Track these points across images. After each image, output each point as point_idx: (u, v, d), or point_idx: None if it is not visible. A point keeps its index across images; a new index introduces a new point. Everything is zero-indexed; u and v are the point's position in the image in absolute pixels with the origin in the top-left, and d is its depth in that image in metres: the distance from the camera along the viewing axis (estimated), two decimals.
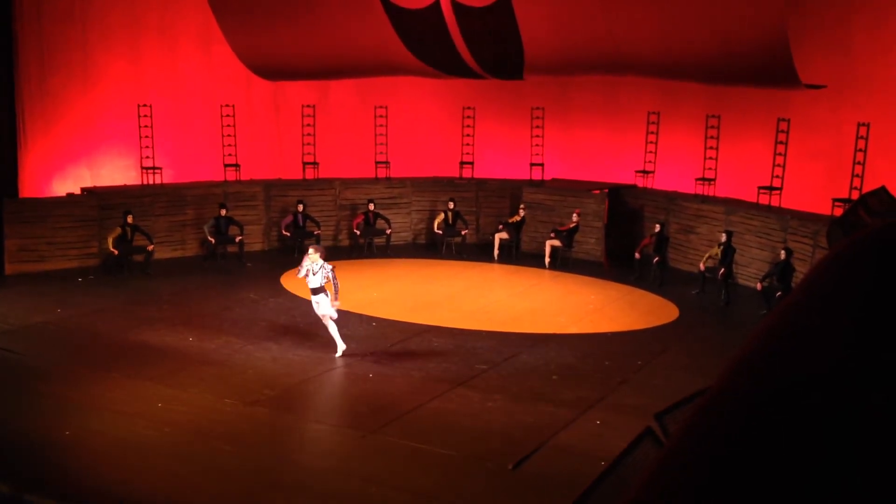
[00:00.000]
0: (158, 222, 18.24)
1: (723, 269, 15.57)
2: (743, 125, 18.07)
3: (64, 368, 11.24)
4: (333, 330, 11.77)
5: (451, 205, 19.52)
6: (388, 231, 19.22)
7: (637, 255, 17.17)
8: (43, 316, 13.63)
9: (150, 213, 18.11)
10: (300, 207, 18.74)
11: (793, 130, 16.78)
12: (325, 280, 11.59)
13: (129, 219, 16.64)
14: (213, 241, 17.74)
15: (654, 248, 17.07)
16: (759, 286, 14.91)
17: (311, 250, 11.70)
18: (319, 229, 18.91)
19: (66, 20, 18.44)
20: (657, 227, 17.21)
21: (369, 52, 18.65)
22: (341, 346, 11.79)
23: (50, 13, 18.29)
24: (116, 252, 16.47)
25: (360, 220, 19.31)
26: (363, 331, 13.34)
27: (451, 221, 19.50)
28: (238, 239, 17.95)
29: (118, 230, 16.56)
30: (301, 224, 18.76)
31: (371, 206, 19.22)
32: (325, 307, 11.66)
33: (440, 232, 19.50)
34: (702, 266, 16.05)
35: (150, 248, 16.75)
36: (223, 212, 17.88)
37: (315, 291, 11.61)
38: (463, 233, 19.46)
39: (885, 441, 0.94)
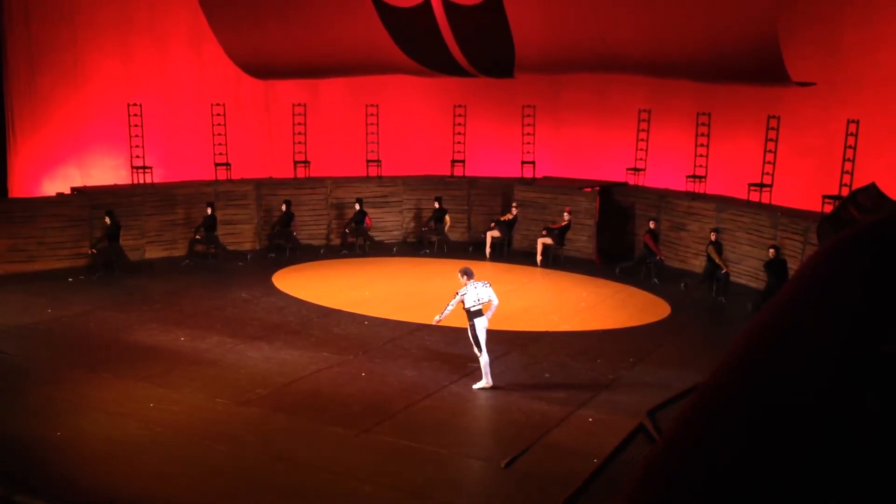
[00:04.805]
0: (149, 222, 18.20)
1: (718, 269, 15.63)
2: (733, 122, 18.12)
3: (55, 369, 11.20)
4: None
5: (437, 204, 19.50)
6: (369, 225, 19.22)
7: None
8: (33, 316, 13.57)
9: (140, 213, 18.06)
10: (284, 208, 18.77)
11: (783, 128, 16.84)
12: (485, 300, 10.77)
13: (107, 220, 16.58)
14: (199, 237, 17.88)
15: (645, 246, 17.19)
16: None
17: (471, 278, 10.75)
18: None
19: (56, 20, 18.37)
20: (652, 224, 17.23)
21: (360, 51, 18.63)
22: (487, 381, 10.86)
23: (39, 13, 18.21)
24: (94, 251, 16.61)
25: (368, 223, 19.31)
26: (355, 329, 13.34)
27: (437, 218, 19.51)
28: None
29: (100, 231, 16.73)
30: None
31: (357, 206, 19.20)
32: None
33: (426, 229, 19.66)
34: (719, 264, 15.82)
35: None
36: (209, 210, 17.90)
37: (478, 314, 10.74)
38: (446, 227, 19.45)
39: (881, 436, 0.94)
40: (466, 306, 10.61)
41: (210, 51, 19.30)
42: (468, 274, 10.76)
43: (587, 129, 20.81)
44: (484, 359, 10.72)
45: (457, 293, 10.63)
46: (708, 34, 14.82)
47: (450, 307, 10.73)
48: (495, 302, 10.78)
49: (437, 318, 11.02)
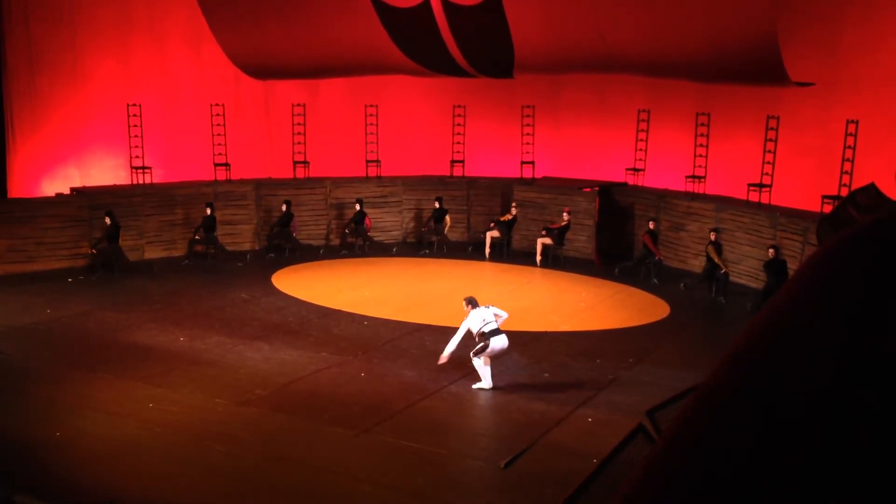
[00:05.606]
0: (149, 222, 18.20)
1: (717, 269, 15.64)
2: (733, 123, 18.13)
3: (54, 369, 11.20)
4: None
5: (437, 204, 19.51)
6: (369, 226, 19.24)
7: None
8: (33, 316, 13.57)
9: (139, 213, 18.06)
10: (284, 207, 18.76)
11: (782, 128, 16.85)
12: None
13: (107, 220, 16.60)
14: (199, 237, 17.87)
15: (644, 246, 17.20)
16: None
17: (475, 307, 10.81)
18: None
19: (55, 20, 18.37)
20: (651, 224, 17.24)
21: (360, 51, 18.64)
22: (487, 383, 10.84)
23: (39, 13, 18.21)
24: (93, 251, 16.63)
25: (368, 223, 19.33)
26: (355, 330, 13.34)
27: (437, 218, 19.52)
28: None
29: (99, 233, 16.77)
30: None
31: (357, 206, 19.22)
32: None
33: (426, 229, 19.69)
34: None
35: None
36: (208, 211, 17.90)
37: (495, 332, 10.69)
38: (447, 228, 19.47)
39: (881, 436, 0.94)
40: (478, 330, 10.62)
41: (209, 51, 19.29)
42: (471, 303, 10.87)
43: (587, 129, 20.81)
44: (475, 361, 10.74)
45: (461, 324, 10.74)
46: (708, 34, 14.82)
47: (455, 339, 10.68)
48: (503, 315, 10.93)
49: (444, 354, 10.76)
